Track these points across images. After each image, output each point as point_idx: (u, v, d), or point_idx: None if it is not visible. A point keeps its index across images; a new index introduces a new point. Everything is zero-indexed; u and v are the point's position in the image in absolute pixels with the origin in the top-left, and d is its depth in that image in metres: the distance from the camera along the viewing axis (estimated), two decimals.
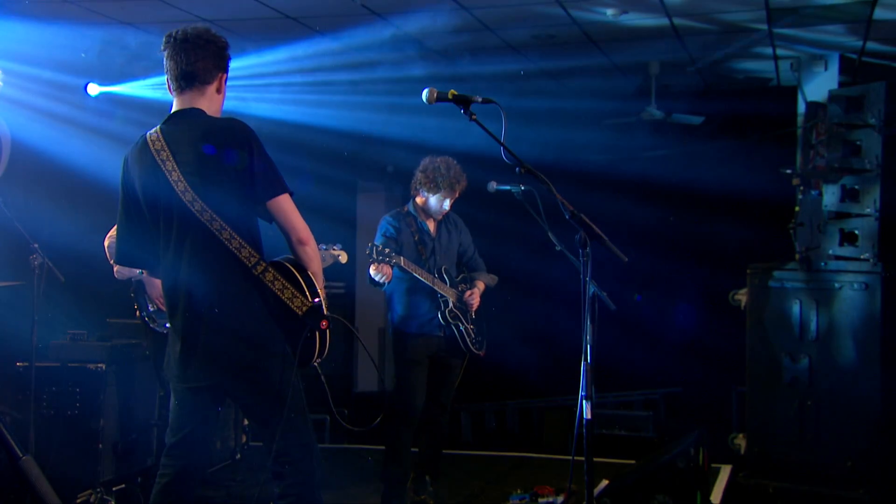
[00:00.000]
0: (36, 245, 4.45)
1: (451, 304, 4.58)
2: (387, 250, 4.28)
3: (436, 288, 4.56)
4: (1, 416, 1.81)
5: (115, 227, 4.65)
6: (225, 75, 3.19)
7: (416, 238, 4.61)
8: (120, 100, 6.39)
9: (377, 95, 6.83)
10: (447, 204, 4.66)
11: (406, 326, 4.62)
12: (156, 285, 4.57)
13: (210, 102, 3.14)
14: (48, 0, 5.37)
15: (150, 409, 5.26)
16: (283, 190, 3.01)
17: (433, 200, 4.63)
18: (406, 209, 4.72)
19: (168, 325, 4.62)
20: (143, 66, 6.47)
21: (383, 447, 4.71)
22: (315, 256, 3.06)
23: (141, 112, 6.51)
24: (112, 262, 4.62)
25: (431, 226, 4.73)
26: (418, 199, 4.70)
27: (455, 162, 4.65)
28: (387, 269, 4.28)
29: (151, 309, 4.61)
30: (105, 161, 5.87)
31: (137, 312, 4.65)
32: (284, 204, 3.00)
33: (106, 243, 4.65)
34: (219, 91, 3.17)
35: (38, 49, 5.63)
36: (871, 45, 6.22)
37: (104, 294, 5.43)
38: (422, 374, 4.59)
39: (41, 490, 1.65)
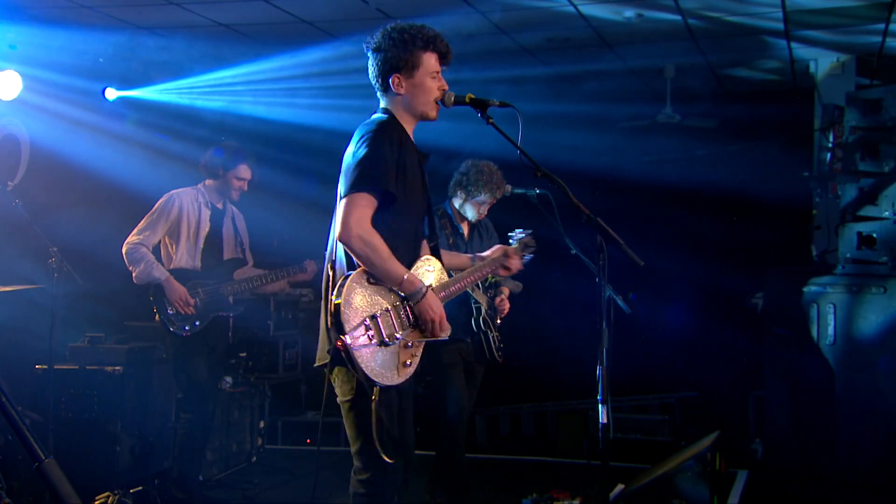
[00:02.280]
0: (55, 248, 4.49)
1: (483, 311, 4.54)
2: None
3: (472, 293, 4.54)
4: (21, 419, 1.83)
5: (133, 232, 4.73)
6: (394, 76, 2.99)
7: (451, 241, 4.57)
8: (138, 104, 6.44)
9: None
10: (485, 208, 4.62)
11: None
12: (175, 289, 4.60)
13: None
14: (66, 6, 5.42)
15: (168, 411, 5.29)
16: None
17: (472, 204, 4.58)
18: (442, 210, 4.69)
19: (188, 328, 4.69)
20: (161, 70, 6.51)
21: (433, 452, 4.63)
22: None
23: (158, 116, 6.56)
24: (130, 267, 4.66)
25: (465, 229, 4.70)
26: (456, 202, 4.67)
27: (496, 167, 4.61)
28: None
29: (171, 312, 4.64)
30: (123, 165, 5.93)
31: (157, 316, 4.68)
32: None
33: (124, 250, 4.68)
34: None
35: (57, 54, 5.69)
36: (889, 47, 6.18)
37: (122, 297, 5.47)
38: (461, 377, 4.55)
39: (63, 493, 1.67)
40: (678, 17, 5.63)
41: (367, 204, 2.82)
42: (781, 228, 6.26)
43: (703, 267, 7.22)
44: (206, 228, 4.83)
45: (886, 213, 5.25)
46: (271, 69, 6.35)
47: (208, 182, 4.91)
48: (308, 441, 6.51)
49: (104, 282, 5.21)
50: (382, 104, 3.08)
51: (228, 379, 5.65)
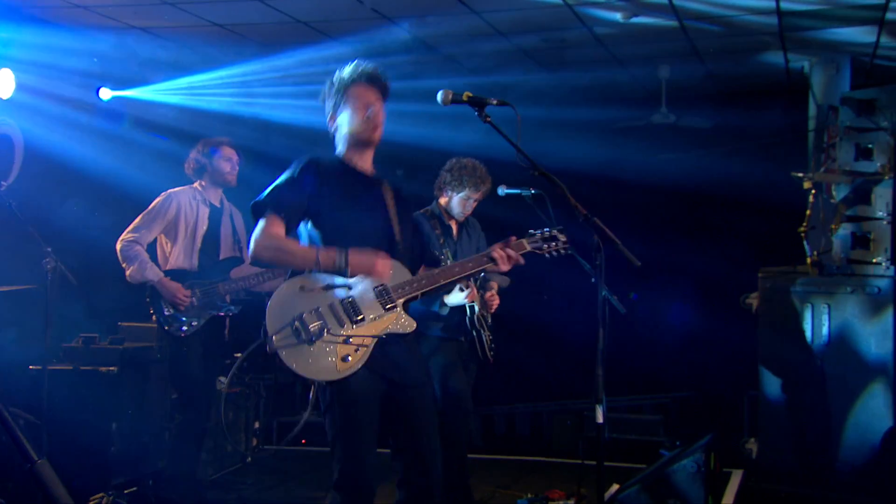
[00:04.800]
0: (49, 249, 4.47)
1: (478, 310, 4.53)
2: (435, 253, 4.23)
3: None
4: (14, 420, 1.81)
5: (128, 230, 4.71)
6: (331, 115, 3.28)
7: (442, 241, 4.58)
8: (132, 104, 6.42)
9: (388, 100, 6.83)
10: (471, 205, 4.63)
11: (429, 329, 4.57)
12: (169, 287, 4.58)
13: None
14: (61, 6, 5.40)
15: (163, 412, 5.27)
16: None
17: (457, 200, 4.59)
18: (429, 210, 4.69)
19: (185, 328, 4.67)
20: (155, 70, 6.49)
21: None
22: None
23: (154, 116, 6.54)
24: (124, 264, 4.64)
25: (454, 227, 4.71)
26: (442, 200, 4.67)
27: (481, 163, 4.62)
28: None
29: (167, 313, 4.61)
30: (117, 165, 5.91)
31: (154, 317, 4.66)
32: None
33: (118, 247, 4.66)
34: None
35: (51, 54, 5.66)
36: (883, 48, 6.19)
37: (117, 297, 5.44)
38: (462, 376, 4.54)
39: (56, 493, 1.65)
40: (673, 18, 5.63)
41: (269, 223, 3.02)
42: (776, 228, 6.26)
43: (698, 267, 7.22)
44: (203, 227, 4.81)
45: (880, 213, 5.25)
46: (267, 69, 6.33)
47: (202, 181, 4.89)
48: (304, 441, 6.49)
49: (99, 282, 5.18)
50: (337, 149, 3.27)
51: (223, 379, 5.63)
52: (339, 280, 3.02)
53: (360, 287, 3.04)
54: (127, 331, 5.39)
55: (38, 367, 4.72)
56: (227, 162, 4.83)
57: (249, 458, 5.94)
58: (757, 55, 6.55)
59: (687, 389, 7.37)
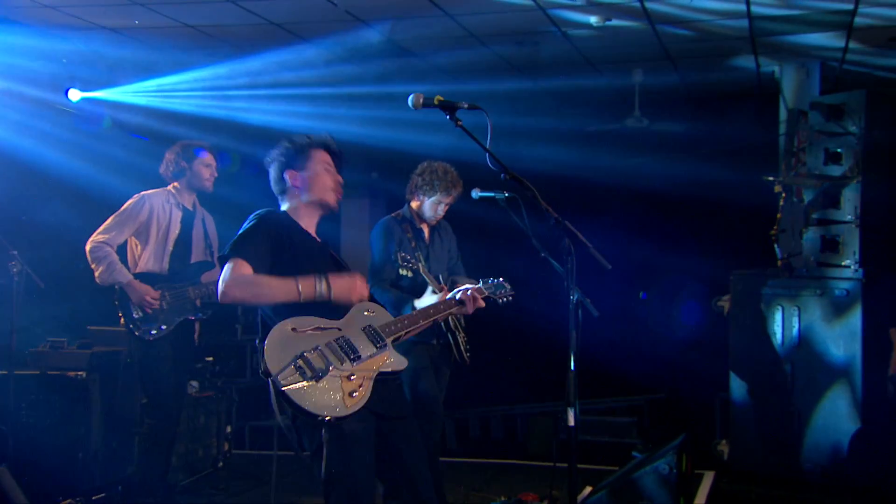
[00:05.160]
0: (15, 252, 4.40)
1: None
2: (409, 257, 4.24)
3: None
4: None
5: (99, 231, 4.65)
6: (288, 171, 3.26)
7: (414, 245, 4.57)
8: (102, 105, 6.35)
9: (362, 101, 6.83)
10: (442, 209, 4.63)
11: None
12: (138, 290, 4.53)
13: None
14: (29, 5, 5.32)
15: (132, 416, 5.20)
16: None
17: (429, 204, 4.60)
18: (401, 214, 4.68)
19: (154, 332, 4.62)
20: (126, 71, 6.43)
21: None
22: None
23: (124, 118, 6.47)
24: (93, 265, 4.58)
25: (426, 231, 4.70)
26: (413, 204, 4.66)
27: (451, 167, 4.63)
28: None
29: (136, 316, 4.56)
30: (86, 166, 5.84)
31: (122, 320, 4.61)
32: None
33: (88, 248, 4.60)
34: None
35: (18, 54, 5.59)
36: (851, 54, 6.28)
37: (85, 301, 5.38)
38: (433, 380, 4.52)
39: (15, 500, 1.62)
40: (646, 23, 5.67)
41: (237, 265, 3.01)
42: (747, 232, 6.33)
43: (669, 270, 7.28)
44: (176, 231, 4.77)
45: (849, 216, 5.32)
46: (239, 71, 6.29)
47: (177, 184, 4.85)
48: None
49: (67, 285, 5.12)
50: (283, 207, 3.28)
51: (195, 383, 5.57)
52: (327, 322, 3.02)
53: (350, 327, 3.06)
54: (95, 334, 5.32)
55: (4, 372, 4.65)
56: (207, 168, 4.81)
57: (221, 464, 5.88)
58: (728, 60, 6.62)
59: (660, 391, 7.42)
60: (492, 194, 4.55)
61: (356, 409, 2.88)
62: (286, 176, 3.24)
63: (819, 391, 5.28)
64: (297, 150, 3.25)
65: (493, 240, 6.26)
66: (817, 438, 5.25)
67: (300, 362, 2.86)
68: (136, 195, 4.74)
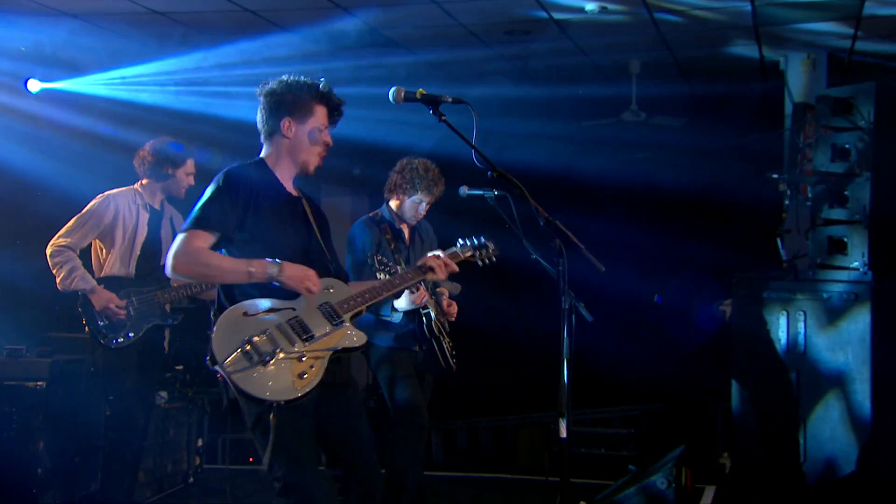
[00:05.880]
0: None
1: (434, 317, 4.50)
2: (386, 260, 4.18)
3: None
4: None
5: (60, 234, 4.61)
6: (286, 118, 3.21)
7: (393, 247, 4.55)
8: (64, 97, 6.30)
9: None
10: (423, 208, 4.61)
11: (379, 339, 4.53)
12: (102, 296, 4.50)
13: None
14: None
15: (96, 429, 5.16)
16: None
17: (409, 203, 4.58)
18: (379, 214, 4.66)
19: (121, 339, 4.58)
20: (90, 60, 6.39)
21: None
22: None
23: (88, 111, 6.43)
24: (54, 270, 4.54)
25: (406, 232, 4.68)
26: (393, 203, 4.65)
27: (433, 164, 4.62)
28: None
29: (101, 323, 4.53)
30: (48, 163, 5.79)
31: (86, 328, 4.57)
32: None
33: (49, 251, 4.56)
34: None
35: None
36: (860, 44, 6.30)
37: (45, 306, 5.34)
38: (417, 387, 4.50)
39: None
40: (643, 11, 5.68)
41: (196, 239, 3.04)
42: (750, 232, 6.35)
43: (669, 273, 7.30)
44: (143, 233, 4.73)
45: (857, 216, 5.33)
46: (212, 60, 6.26)
47: (145, 181, 4.81)
48: (251, 460, 6.42)
49: (25, 289, 5.08)
50: (263, 153, 3.26)
51: (163, 394, 5.54)
52: (281, 303, 3.06)
53: (304, 306, 3.09)
54: (57, 342, 5.28)
55: None
56: (189, 176, 4.80)
57: (192, 479, 5.85)
58: (731, 50, 6.64)
59: (658, 401, 7.43)
60: (480, 192, 4.54)
61: (307, 390, 2.93)
62: (282, 123, 3.19)
63: (826, 400, 5.30)
64: (300, 97, 3.19)
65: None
66: (824, 450, 5.26)
67: (247, 347, 2.92)
68: (99, 195, 4.70)
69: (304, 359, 2.97)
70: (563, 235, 2.94)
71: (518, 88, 7.38)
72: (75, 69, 6.29)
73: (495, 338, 7.07)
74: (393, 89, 3.05)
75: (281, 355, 2.94)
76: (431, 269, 3.57)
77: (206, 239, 3.05)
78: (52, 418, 4.88)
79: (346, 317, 3.15)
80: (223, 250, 3.12)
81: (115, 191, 4.74)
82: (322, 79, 3.26)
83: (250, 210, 3.09)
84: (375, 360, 4.52)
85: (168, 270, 3.06)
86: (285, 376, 2.93)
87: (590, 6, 5.56)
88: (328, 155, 3.34)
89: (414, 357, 4.53)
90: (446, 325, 4.62)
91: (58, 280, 4.53)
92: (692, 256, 7.20)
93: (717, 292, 7.16)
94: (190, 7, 5.70)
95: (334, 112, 3.27)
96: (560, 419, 2.91)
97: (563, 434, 2.92)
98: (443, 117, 3.06)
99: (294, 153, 3.22)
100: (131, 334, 4.57)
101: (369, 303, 3.27)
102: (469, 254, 3.87)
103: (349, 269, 4.47)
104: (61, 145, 6.05)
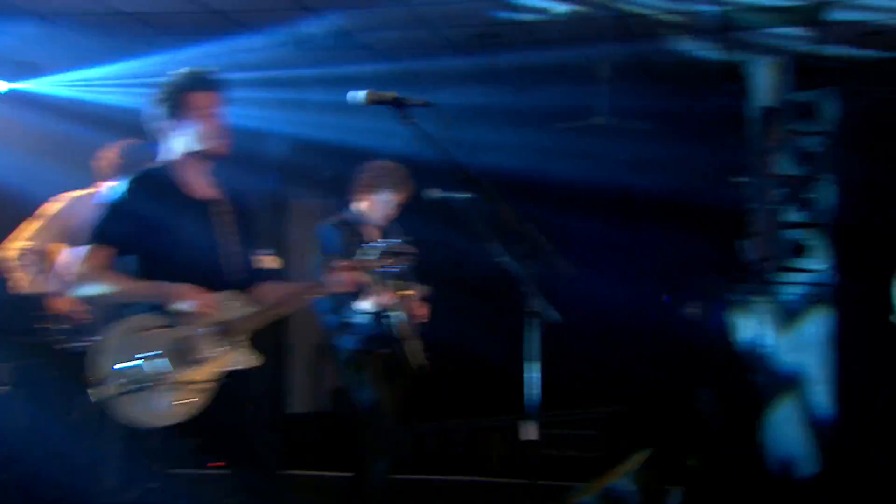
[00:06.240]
0: None
1: (402, 319, 4.49)
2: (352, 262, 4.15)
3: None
4: None
5: (16, 236, 4.54)
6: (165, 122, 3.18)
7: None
8: (30, 98, 6.23)
9: (310, 95, 6.77)
10: (392, 208, 4.60)
11: (342, 342, 4.52)
12: (64, 303, 4.43)
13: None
14: None
15: (59, 436, 5.08)
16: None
17: (378, 203, 4.56)
18: (343, 217, 4.64)
19: (83, 345, 4.50)
20: (55, 61, 6.31)
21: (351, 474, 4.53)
22: None
23: (53, 111, 6.35)
24: (6, 275, 4.48)
25: (374, 234, 4.66)
26: (362, 205, 4.63)
27: (401, 165, 4.61)
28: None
29: (63, 327, 4.47)
30: (7, 163, 5.71)
31: (46, 332, 4.51)
32: None
33: (10, 254, 4.50)
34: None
35: None
36: (827, 49, 6.37)
37: (5, 308, 5.25)
38: (382, 389, 4.49)
39: None
40: (613, 14, 5.71)
41: (95, 256, 2.97)
42: (717, 235, 6.41)
43: (638, 276, 7.34)
44: None
45: (822, 220, 5.41)
46: (178, 61, 6.20)
47: (110, 183, 4.75)
48: (211, 465, 6.35)
49: None
50: (165, 155, 3.20)
51: None
52: (173, 320, 2.97)
53: (198, 326, 3.00)
54: (13, 346, 5.19)
55: None
56: None
57: (157, 484, 5.78)
58: (698, 54, 6.69)
59: (627, 403, 7.47)
60: (449, 195, 4.54)
61: (184, 418, 2.89)
62: (164, 126, 3.17)
63: (793, 401, 5.37)
64: (171, 98, 3.15)
65: (454, 242, 6.26)
66: (788, 449, 5.33)
67: (132, 370, 2.85)
68: (60, 196, 4.65)
69: (189, 383, 2.92)
70: (533, 238, 2.96)
71: (486, 93, 7.40)
72: (38, 69, 6.21)
73: (466, 339, 7.06)
74: (362, 92, 3.05)
75: (166, 380, 2.88)
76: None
77: (100, 254, 2.98)
78: (14, 425, 4.82)
79: (241, 337, 3.09)
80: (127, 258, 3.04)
81: (75, 193, 4.69)
82: (190, 68, 3.23)
83: (150, 223, 3.00)
84: (341, 362, 4.51)
85: (68, 290, 3.05)
86: (167, 402, 2.88)
87: (558, 8, 5.58)
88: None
89: (383, 360, 4.51)
90: (416, 327, 4.61)
91: (20, 283, 4.47)
92: (660, 259, 7.25)
93: (646, 309, 7.26)
94: (155, 7, 5.65)
95: (210, 88, 3.18)
96: (528, 421, 2.92)
97: (532, 436, 2.94)
98: (413, 120, 3.06)
99: (189, 147, 3.14)
100: (95, 339, 4.51)
101: (267, 321, 3.17)
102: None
103: (316, 269, 4.44)
104: (26, 146, 5.97)
